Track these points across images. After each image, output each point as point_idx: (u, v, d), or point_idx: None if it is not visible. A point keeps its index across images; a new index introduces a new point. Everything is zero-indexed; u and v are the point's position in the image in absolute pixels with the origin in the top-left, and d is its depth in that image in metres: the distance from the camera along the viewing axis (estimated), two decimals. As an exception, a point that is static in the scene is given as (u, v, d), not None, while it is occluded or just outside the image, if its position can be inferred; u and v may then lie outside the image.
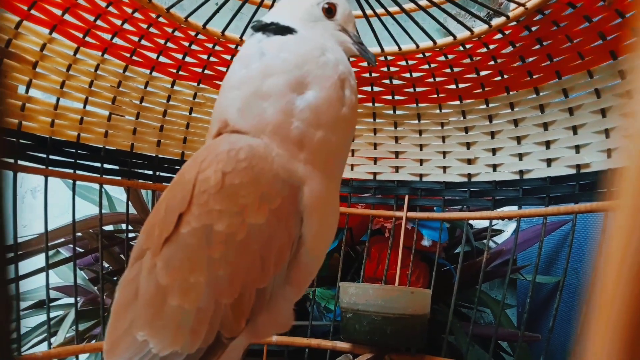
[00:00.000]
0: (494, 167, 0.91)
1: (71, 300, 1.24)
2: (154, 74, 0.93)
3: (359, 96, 1.00)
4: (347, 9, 0.50)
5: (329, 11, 0.48)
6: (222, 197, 0.40)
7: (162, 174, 0.96)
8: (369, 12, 0.82)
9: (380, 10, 0.84)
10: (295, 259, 0.43)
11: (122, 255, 1.23)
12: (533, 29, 0.80)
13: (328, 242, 0.48)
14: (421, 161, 0.98)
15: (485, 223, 1.32)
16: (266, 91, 0.43)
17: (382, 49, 0.90)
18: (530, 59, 0.84)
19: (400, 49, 0.90)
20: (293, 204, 0.42)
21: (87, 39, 0.85)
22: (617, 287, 0.16)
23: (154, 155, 0.95)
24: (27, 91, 0.81)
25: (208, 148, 0.44)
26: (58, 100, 0.85)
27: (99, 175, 0.90)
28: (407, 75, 0.96)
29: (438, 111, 0.97)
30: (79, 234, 1.14)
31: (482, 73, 0.90)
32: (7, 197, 0.15)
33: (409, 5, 0.81)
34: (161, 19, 0.85)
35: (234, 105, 0.44)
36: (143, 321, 0.40)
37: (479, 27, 0.83)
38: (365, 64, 0.96)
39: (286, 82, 0.43)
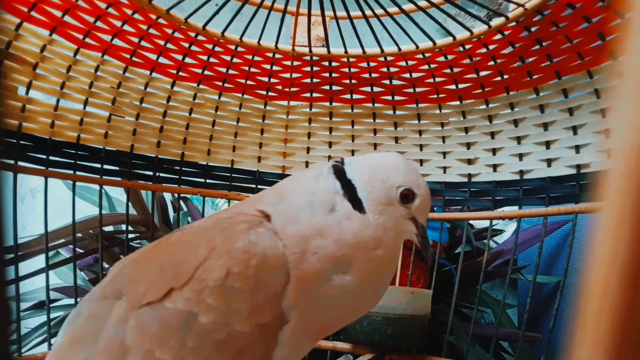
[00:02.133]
0: (494, 167, 0.91)
1: (71, 301, 1.24)
2: (154, 74, 0.93)
3: (359, 97, 1.00)
4: (426, 201, 0.48)
5: (406, 198, 0.46)
6: (217, 293, 0.40)
7: (162, 174, 0.96)
8: (368, 13, 0.82)
9: (379, 11, 0.84)
10: None
11: (122, 256, 1.23)
12: (532, 29, 0.80)
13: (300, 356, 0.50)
14: (421, 161, 0.98)
15: (485, 223, 1.32)
16: (315, 248, 0.43)
17: (382, 50, 0.90)
18: (530, 60, 0.84)
19: (400, 49, 0.90)
20: (279, 325, 0.42)
21: (87, 40, 0.85)
22: (606, 290, 0.16)
23: (154, 156, 0.95)
24: (27, 92, 0.81)
25: (227, 232, 0.43)
26: (58, 101, 0.85)
27: (99, 176, 0.90)
28: (407, 75, 0.96)
29: (438, 111, 0.97)
30: (79, 234, 1.14)
31: (482, 73, 0.90)
32: (7, 198, 0.15)
33: (408, 6, 0.81)
34: (161, 20, 0.85)
35: (285, 227, 0.44)
36: None
37: (479, 28, 0.83)
38: (365, 64, 0.96)
39: (334, 254, 0.43)
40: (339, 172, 0.47)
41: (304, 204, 0.45)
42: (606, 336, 0.16)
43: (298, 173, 0.52)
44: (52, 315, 0.92)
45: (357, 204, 0.45)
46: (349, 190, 0.46)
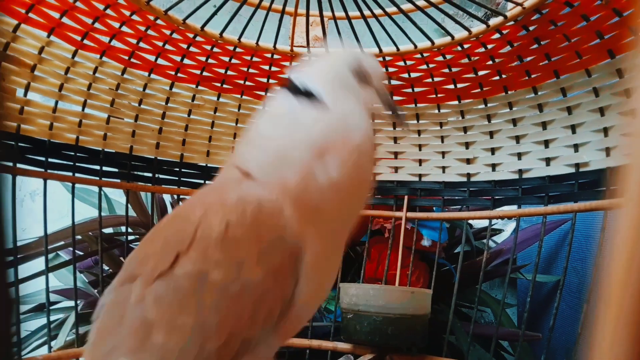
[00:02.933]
0: (493, 166, 0.91)
1: (71, 303, 1.24)
2: (153, 76, 0.93)
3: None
4: (380, 72, 0.50)
5: (361, 75, 0.48)
6: (222, 247, 0.40)
7: (161, 176, 0.96)
8: (367, 13, 0.82)
9: (378, 11, 0.84)
10: (285, 313, 0.44)
11: (122, 258, 1.22)
12: (531, 28, 0.80)
13: (320, 300, 0.49)
14: (420, 161, 0.98)
15: (484, 222, 1.32)
16: (288, 155, 0.43)
17: (381, 50, 0.90)
18: (528, 59, 0.84)
19: (398, 49, 0.90)
20: (291, 267, 0.42)
21: (86, 41, 0.85)
22: (626, 287, 0.16)
23: (153, 157, 0.95)
24: (25, 94, 0.81)
25: (218, 190, 0.44)
26: (56, 103, 0.85)
27: (98, 178, 0.90)
28: (406, 75, 0.96)
29: (437, 111, 0.97)
30: (79, 236, 1.14)
31: (481, 73, 0.90)
32: (6, 200, 0.15)
33: (406, 6, 0.81)
34: (159, 22, 0.85)
35: (255, 160, 0.45)
36: (125, 349, 0.40)
37: (477, 27, 0.83)
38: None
39: (309, 151, 0.43)
40: (292, 87, 0.47)
41: (270, 130, 0.46)
42: (626, 340, 0.15)
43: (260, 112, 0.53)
44: (52, 318, 0.92)
45: (318, 99, 0.46)
46: (305, 95, 0.46)
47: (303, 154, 0.43)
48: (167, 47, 0.91)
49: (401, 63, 0.94)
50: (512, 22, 0.80)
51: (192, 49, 0.92)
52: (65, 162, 0.86)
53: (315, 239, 0.43)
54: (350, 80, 0.47)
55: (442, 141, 0.96)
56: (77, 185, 0.88)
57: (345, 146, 0.44)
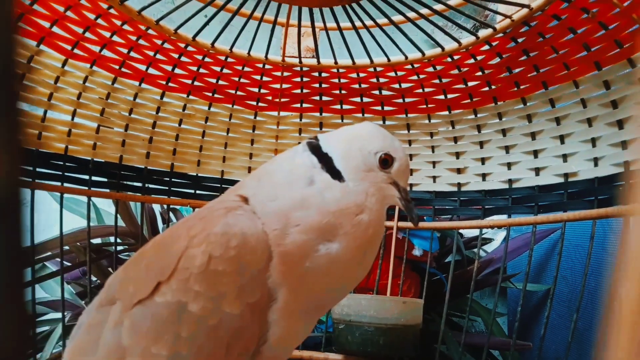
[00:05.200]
0: (483, 176, 0.92)
1: (58, 315, 1.22)
2: (143, 85, 0.93)
3: (349, 107, 1.01)
4: (405, 164, 0.48)
5: (385, 162, 0.46)
6: (203, 279, 0.40)
7: (151, 186, 0.95)
8: (358, 24, 0.83)
9: (369, 22, 0.85)
10: (259, 351, 0.43)
11: (110, 269, 1.21)
12: (519, 40, 0.81)
13: (296, 342, 0.49)
14: (411, 171, 0.99)
15: (475, 232, 1.33)
16: (296, 219, 0.43)
17: (372, 61, 0.91)
18: (517, 70, 0.85)
19: (389, 60, 0.91)
20: (268, 304, 0.42)
21: (76, 51, 0.84)
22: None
23: (143, 167, 0.95)
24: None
25: (205, 219, 0.44)
26: (45, 112, 0.84)
27: (87, 188, 0.89)
28: (396, 86, 0.97)
29: (427, 121, 0.98)
30: (67, 247, 1.12)
31: (470, 84, 0.91)
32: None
33: (397, 17, 0.82)
34: (150, 31, 0.85)
35: (261, 211, 0.44)
36: None
37: (466, 39, 0.84)
38: (354, 75, 0.96)
39: (318, 223, 0.43)
40: (315, 148, 0.47)
41: (282, 181, 0.45)
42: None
43: (276, 156, 0.52)
44: (38, 330, 0.90)
45: (336, 175, 0.45)
46: (327, 163, 0.46)
47: (311, 224, 0.43)
48: (158, 56, 0.90)
49: (392, 74, 0.95)
50: (501, 34, 0.81)
51: (183, 58, 0.92)
52: (53, 172, 0.85)
53: (290, 297, 0.43)
54: (374, 164, 0.46)
55: (433, 151, 0.97)
56: (65, 195, 0.87)
57: (353, 231, 0.44)
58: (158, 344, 0.39)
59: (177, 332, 0.39)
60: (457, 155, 0.94)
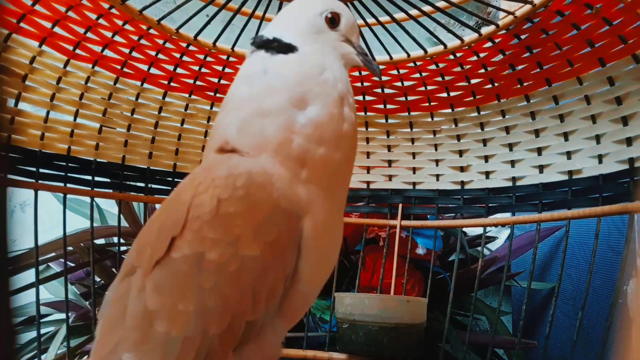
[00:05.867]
0: (487, 174, 0.91)
1: (62, 315, 1.22)
2: (145, 85, 0.93)
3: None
4: (351, 19, 0.48)
5: (332, 21, 0.46)
6: (216, 225, 0.39)
7: (154, 186, 0.95)
8: (360, 22, 0.83)
9: (371, 20, 0.84)
10: (289, 292, 0.42)
11: (114, 269, 1.21)
12: (522, 37, 0.81)
13: (326, 274, 0.47)
14: (414, 169, 0.98)
15: (478, 230, 1.33)
16: (267, 109, 0.42)
17: (374, 58, 0.91)
18: (520, 67, 0.85)
19: (391, 58, 0.90)
20: (291, 237, 0.41)
21: (78, 51, 0.84)
22: None
23: (146, 167, 0.95)
24: (16, 104, 0.80)
25: (206, 169, 0.43)
26: (48, 113, 0.84)
27: (89, 189, 0.89)
28: (399, 84, 0.96)
29: (430, 119, 0.97)
30: (70, 248, 1.13)
31: (473, 81, 0.90)
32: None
33: (399, 15, 0.81)
34: (152, 31, 0.85)
35: (234, 124, 0.44)
36: (129, 344, 0.39)
37: (469, 36, 0.83)
38: (356, 73, 0.96)
39: (287, 99, 0.42)
40: (260, 43, 0.46)
41: (244, 89, 0.45)
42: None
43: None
44: (42, 331, 0.90)
45: (290, 49, 0.44)
46: (276, 45, 0.45)
47: (281, 104, 0.42)
48: (160, 56, 0.90)
49: (394, 71, 0.94)
50: (504, 31, 0.80)
51: (185, 58, 0.92)
52: (56, 173, 0.85)
53: (313, 201, 0.42)
54: (322, 26, 0.46)
55: (436, 149, 0.97)
56: (68, 196, 0.87)
57: (323, 90, 0.43)
58: (183, 301, 0.38)
59: (199, 284, 0.38)
60: (461, 153, 0.94)
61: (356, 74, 0.96)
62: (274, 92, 0.43)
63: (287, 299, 0.42)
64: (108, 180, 0.91)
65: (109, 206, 1.46)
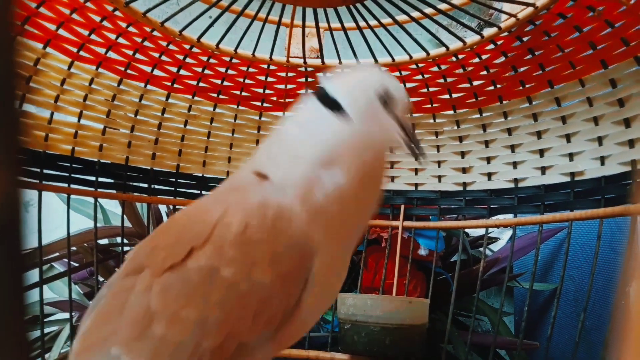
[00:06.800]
0: (489, 175, 0.91)
1: (66, 315, 1.23)
2: (149, 87, 0.93)
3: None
4: (405, 100, 0.49)
5: (386, 100, 0.48)
6: (238, 246, 0.41)
7: (157, 186, 0.96)
8: (362, 24, 0.83)
9: (373, 22, 0.85)
10: (287, 320, 0.44)
11: (117, 269, 1.22)
12: (525, 39, 0.81)
13: (326, 306, 0.50)
14: (416, 170, 0.99)
15: (480, 231, 1.33)
16: (301, 154, 0.45)
17: (376, 60, 0.91)
18: (523, 69, 0.85)
19: (393, 60, 0.90)
20: (301, 272, 0.43)
21: (82, 53, 0.85)
22: None
23: (149, 168, 0.95)
24: (21, 106, 0.81)
25: (238, 190, 0.45)
26: (52, 114, 0.85)
27: (93, 189, 0.89)
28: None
29: (432, 121, 0.97)
30: (74, 248, 1.13)
31: (475, 83, 0.91)
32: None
33: (401, 17, 0.81)
34: (155, 33, 0.85)
35: (274, 160, 0.46)
36: (122, 338, 0.40)
37: (471, 38, 0.83)
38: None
39: (319, 154, 0.44)
40: (321, 95, 0.48)
41: (289, 132, 0.47)
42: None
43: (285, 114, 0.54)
44: (46, 330, 0.91)
45: (342, 116, 0.46)
46: (334, 107, 0.47)
47: (313, 156, 0.44)
48: (164, 58, 0.91)
49: (397, 73, 0.94)
50: (506, 33, 0.80)
51: (188, 60, 0.92)
52: (60, 173, 0.86)
53: (325, 243, 0.44)
54: (375, 102, 0.48)
55: (438, 150, 0.97)
56: (72, 196, 0.88)
57: (354, 160, 0.45)
58: (187, 308, 0.40)
59: (207, 296, 0.40)
60: (463, 154, 0.94)
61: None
62: (313, 144, 0.45)
63: (284, 326, 0.44)
64: (112, 180, 0.92)
65: (113, 206, 1.46)
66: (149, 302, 0.41)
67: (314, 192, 0.44)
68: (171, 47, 0.89)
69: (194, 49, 0.90)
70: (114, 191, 0.92)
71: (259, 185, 0.45)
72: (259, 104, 1.01)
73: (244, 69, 0.96)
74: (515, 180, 0.88)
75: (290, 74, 0.97)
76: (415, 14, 0.80)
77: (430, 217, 1.04)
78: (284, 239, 0.42)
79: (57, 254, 1.12)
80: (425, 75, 0.93)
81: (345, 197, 0.45)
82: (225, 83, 0.97)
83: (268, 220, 0.42)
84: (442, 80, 0.93)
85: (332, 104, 0.47)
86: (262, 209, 0.42)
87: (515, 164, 0.88)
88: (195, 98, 0.97)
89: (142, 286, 0.42)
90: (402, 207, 0.98)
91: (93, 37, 0.83)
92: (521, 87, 0.86)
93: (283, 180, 0.45)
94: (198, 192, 0.98)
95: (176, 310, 0.40)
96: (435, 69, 0.92)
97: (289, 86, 0.99)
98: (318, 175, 0.44)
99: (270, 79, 0.98)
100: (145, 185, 0.95)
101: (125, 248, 1.14)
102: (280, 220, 0.42)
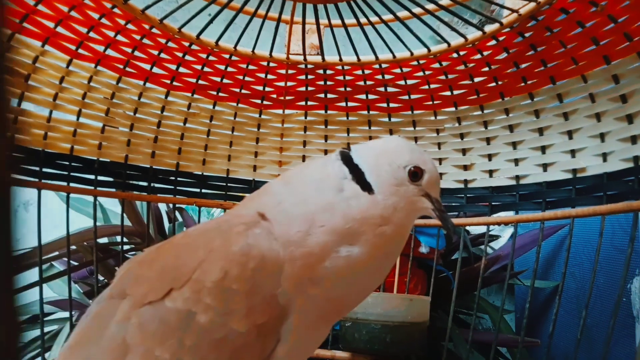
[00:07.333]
0: (490, 172, 0.91)
1: (66, 314, 1.23)
2: (148, 85, 0.93)
3: (354, 104, 1.00)
4: (435, 175, 0.49)
5: (415, 175, 0.47)
6: (215, 293, 0.41)
7: (157, 185, 0.95)
8: (362, 20, 0.82)
9: (374, 19, 0.84)
10: None
11: (117, 268, 1.21)
12: (527, 35, 0.80)
13: (304, 357, 0.49)
14: (417, 168, 0.98)
15: (481, 229, 1.32)
16: (320, 221, 0.44)
17: (377, 57, 0.90)
18: (525, 65, 0.84)
19: (394, 56, 0.90)
20: (277, 325, 0.43)
21: (80, 51, 0.84)
22: None
23: (149, 166, 0.95)
24: (19, 104, 0.80)
25: (225, 235, 0.44)
26: (51, 112, 0.84)
27: (93, 188, 0.89)
28: (402, 82, 0.96)
29: (433, 118, 0.97)
30: (73, 247, 1.13)
31: (477, 79, 0.90)
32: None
33: (402, 13, 0.81)
34: (154, 30, 0.85)
35: (290, 210, 0.45)
36: None
37: (473, 34, 0.83)
38: (359, 72, 0.96)
39: (342, 227, 0.44)
40: (346, 158, 0.48)
41: (312, 187, 0.46)
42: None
43: (305, 162, 0.53)
44: (46, 329, 0.91)
45: (366, 187, 0.46)
46: (357, 174, 0.46)
47: (335, 229, 0.43)
48: (163, 55, 0.90)
49: (398, 70, 0.94)
50: (508, 29, 0.80)
51: (187, 57, 0.92)
52: (59, 172, 0.85)
53: (303, 308, 0.43)
54: (404, 178, 0.47)
55: (439, 148, 0.96)
56: (71, 195, 0.87)
57: (375, 240, 0.44)
58: (162, 347, 0.40)
59: (182, 339, 0.40)
60: (464, 151, 0.94)
61: (359, 72, 0.96)
62: (335, 214, 0.44)
63: None
64: (111, 179, 0.91)
65: (112, 205, 1.46)
66: (126, 334, 0.41)
67: (323, 260, 0.43)
68: (170, 44, 0.89)
69: (193, 47, 0.89)
70: (114, 190, 0.92)
71: (251, 229, 0.44)
72: (258, 101, 1.00)
73: (244, 66, 0.95)
74: (517, 177, 0.87)
75: (290, 71, 0.97)
76: (417, 10, 0.80)
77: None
78: (261, 292, 0.42)
79: (56, 253, 1.12)
80: (427, 72, 0.93)
81: (354, 272, 0.44)
82: (225, 80, 0.97)
83: (248, 271, 0.41)
84: (443, 77, 0.92)
85: (356, 172, 0.46)
86: (244, 257, 0.42)
87: (516, 161, 0.88)
88: (195, 96, 0.97)
89: (121, 315, 0.42)
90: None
91: (92, 34, 0.83)
92: (523, 84, 0.85)
93: (286, 235, 0.43)
94: (198, 190, 0.97)
95: (150, 347, 0.40)
96: (436, 65, 0.91)
97: (289, 83, 0.99)
98: (335, 248, 0.43)
99: (270, 77, 0.98)
100: (145, 183, 0.94)
101: (125, 247, 1.14)
102: (260, 273, 0.42)
